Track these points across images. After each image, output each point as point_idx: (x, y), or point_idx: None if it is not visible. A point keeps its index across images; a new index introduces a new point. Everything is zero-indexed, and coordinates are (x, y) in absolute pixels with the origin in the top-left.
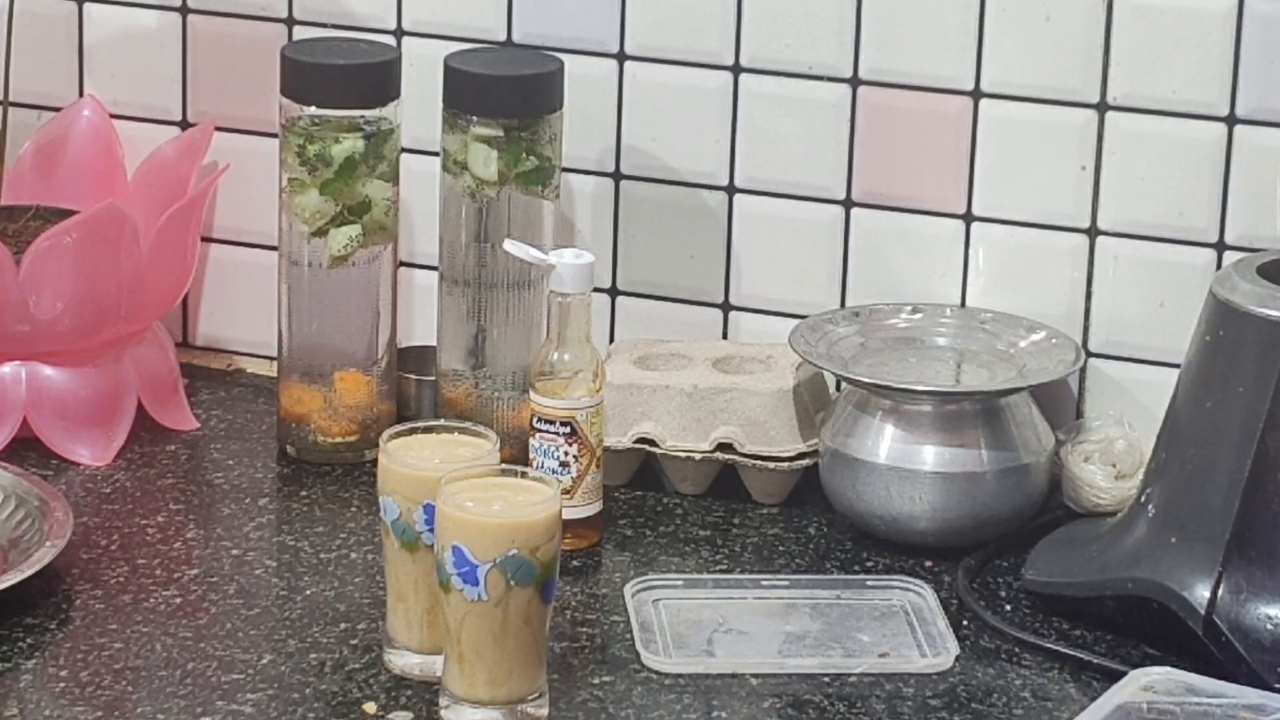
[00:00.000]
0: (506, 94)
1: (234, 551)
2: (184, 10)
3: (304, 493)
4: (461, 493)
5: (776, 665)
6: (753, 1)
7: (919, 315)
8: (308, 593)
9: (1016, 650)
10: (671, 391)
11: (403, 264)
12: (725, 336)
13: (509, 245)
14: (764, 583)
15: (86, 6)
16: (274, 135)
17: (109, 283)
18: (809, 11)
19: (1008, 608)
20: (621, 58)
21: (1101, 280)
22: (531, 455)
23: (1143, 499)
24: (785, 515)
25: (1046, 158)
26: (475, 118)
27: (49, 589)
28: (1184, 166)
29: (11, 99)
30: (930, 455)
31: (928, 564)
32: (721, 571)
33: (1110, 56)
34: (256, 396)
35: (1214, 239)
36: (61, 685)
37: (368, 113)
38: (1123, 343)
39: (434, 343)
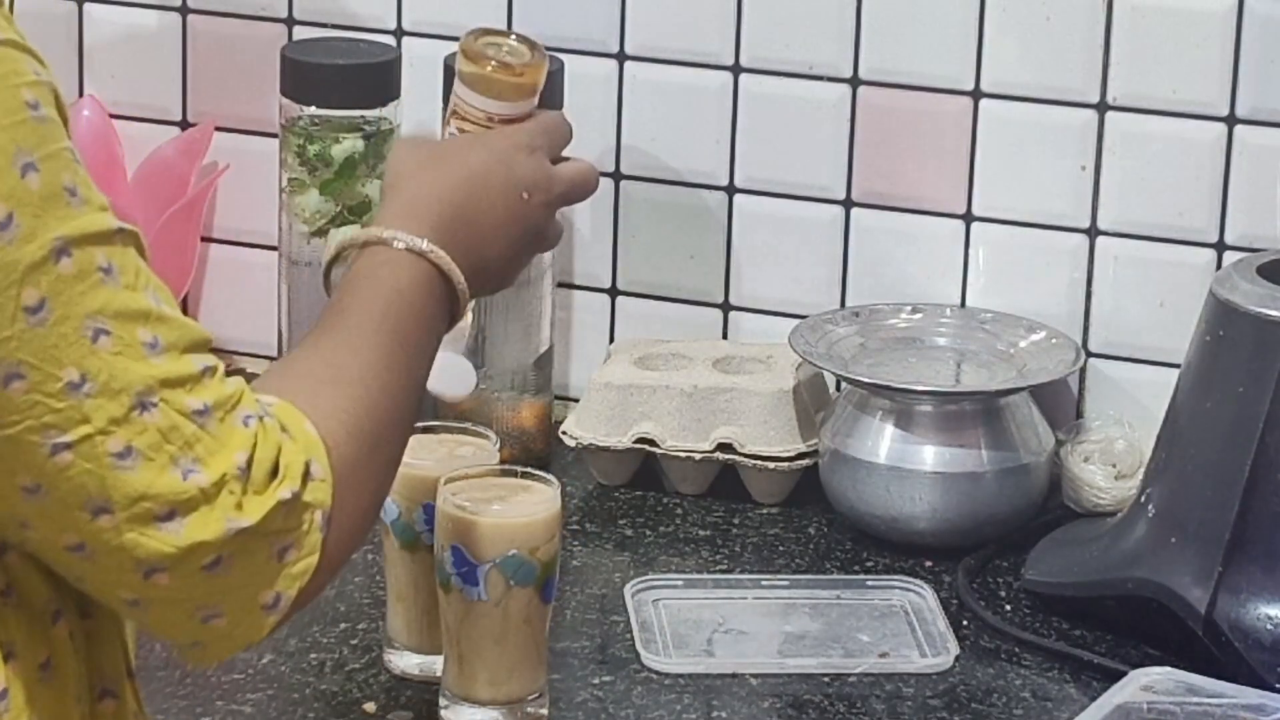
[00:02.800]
0: None
1: None
2: (184, 10)
3: None
4: (461, 493)
5: (776, 665)
6: (753, 1)
7: (919, 315)
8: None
9: (1016, 650)
10: (671, 391)
11: None
12: (725, 336)
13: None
14: (764, 583)
15: (86, 6)
16: (274, 135)
17: None
18: (809, 11)
19: (1008, 608)
20: (621, 58)
21: (1101, 280)
22: None
23: (1143, 499)
24: (785, 515)
25: (1046, 158)
26: None
27: None
28: (1184, 166)
29: None
30: (930, 455)
31: (928, 564)
32: (721, 571)
33: (1110, 56)
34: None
35: (1214, 239)
36: None
37: (368, 113)
38: (1123, 343)
39: None
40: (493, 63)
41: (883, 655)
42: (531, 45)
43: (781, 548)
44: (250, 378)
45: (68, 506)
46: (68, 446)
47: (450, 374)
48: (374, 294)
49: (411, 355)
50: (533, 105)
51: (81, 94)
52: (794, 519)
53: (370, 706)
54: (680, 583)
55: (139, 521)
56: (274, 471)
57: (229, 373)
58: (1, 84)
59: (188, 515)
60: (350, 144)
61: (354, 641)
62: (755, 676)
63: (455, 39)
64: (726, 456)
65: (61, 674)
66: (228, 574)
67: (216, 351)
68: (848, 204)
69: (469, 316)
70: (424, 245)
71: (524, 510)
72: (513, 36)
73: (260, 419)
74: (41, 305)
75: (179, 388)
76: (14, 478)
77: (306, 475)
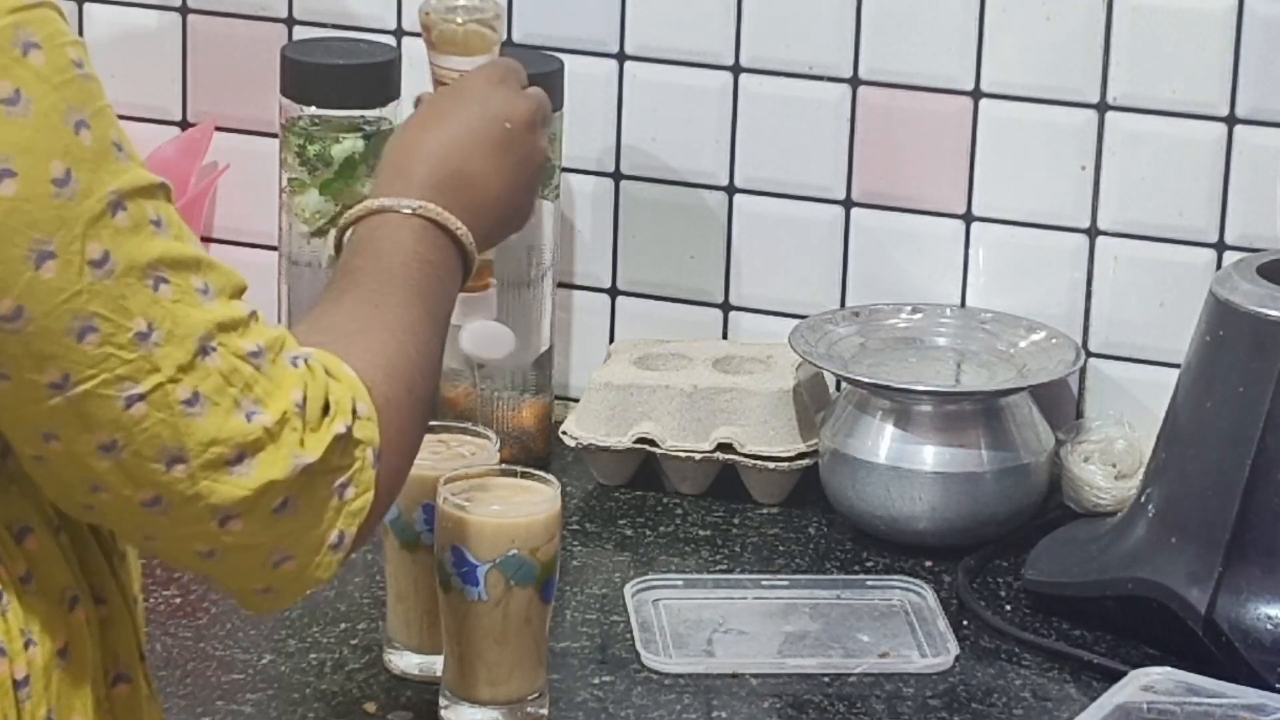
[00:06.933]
0: None
1: None
2: (184, 10)
3: None
4: (461, 493)
5: (776, 665)
6: (753, 1)
7: (919, 315)
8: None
9: (1016, 650)
10: (671, 391)
11: None
12: (725, 336)
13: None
14: (764, 583)
15: (86, 6)
16: (274, 135)
17: None
18: (809, 11)
19: (1008, 608)
20: (621, 58)
21: (1101, 280)
22: None
23: (1143, 499)
24: (785, 515)
25: (1046, 158)
26: None
27: None
28: (1184, 166)
29: None
30: (930, 455)
31: (928, 564)
32: (721, 571)
33: (1110, 56)
34: None
35: (1214, 239)
36: None
37: (368, 113)
38: (1123, 343)
39: None
40: (460, 20)
41: (883, 655)
42: (491, 4)
43: (781, 548)
44: None
45: (144, 459)
46: (141, 398)
47: (487, 339)
48: (377, 252)
49: (428, 301)
50: (497, 55)
51: None
52: (794, 519)
53: (370, 706)
54: (680, 583)
55: (211, 468)
56: (326, 408)
57: None
58: (49, 43)
59: (256, 456)
60: (350, 144)
61: (354, 641)
62: (755, 676)
63: None
64: (726, 456)
65: (79, 660)
66: (295, 515)
67: None
68: (848, 204)
69: (494, 284)
70: (415, 204)
71: (524, 510)
72: (474, 2)
73: (306, 360)
74: (106, 258)
75: (233, 331)
76: (92, 436)
77: (354, 413)
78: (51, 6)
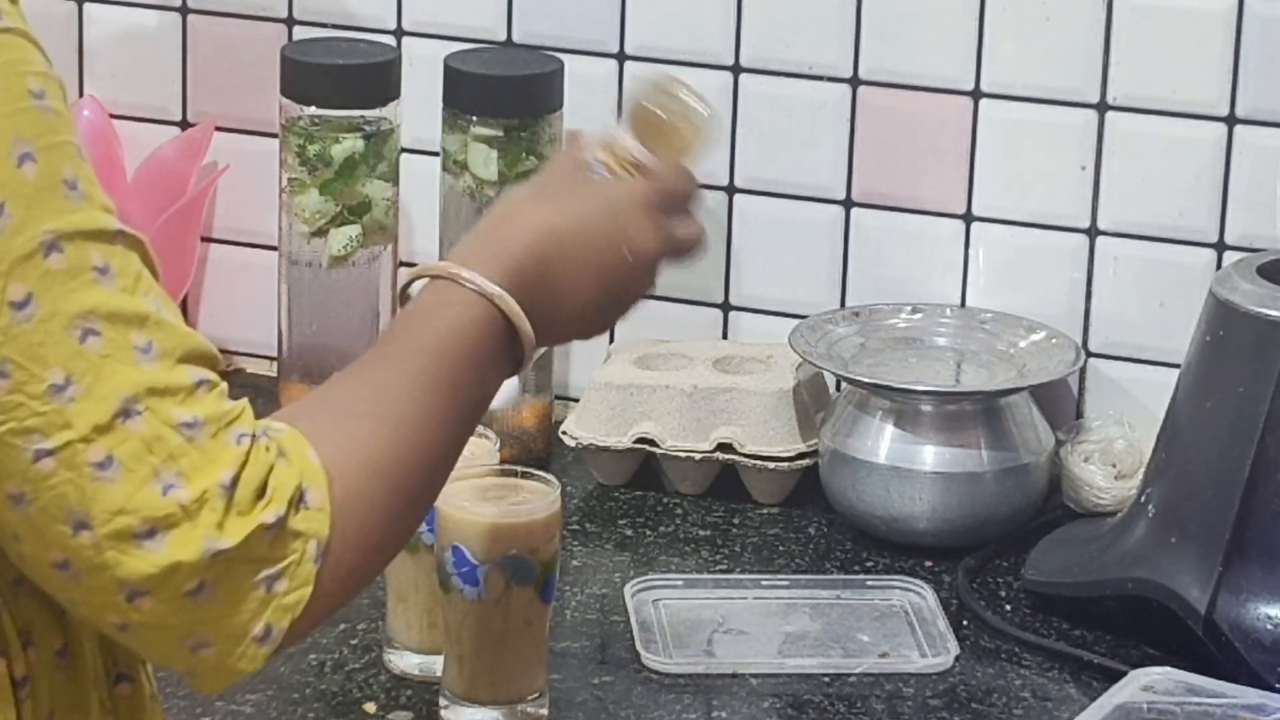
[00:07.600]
0: (506, 94)
1: None
2: (184, 10)
3: None
4: (461, 493)
5: (776, 665)
6: (753, 1)
7: (919, 315)
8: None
9: (1016, 650)
10: (671, 391)
11: (403, 264)
12: (725, 336)
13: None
14: (764, 583)
15: (86, 6)
16: (274, 135)
17: None
18: (809, 11)
19: (1008, 608)
20: (621, 58)
21: (1101, 280)
22: None
23: (1143, 499)
24: (785, 515)
25: (1046, 158)
26: (475, 118)
27: None
28: (1184, 166)
29: None
30: (930, 455)
31: (928, 564)
32: (721, 571)
33: (1110, 56)
34: (256, 396)
35: (1214, 239)
36: None
37: (368, 113)
38: (1123, 343)
39: None
40: (663, 114)
41: (883, 655)
42: (708, 108)
43: (781, 548)
44: (251, 378)
45: (50, 519)
46: (49, 453)
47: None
48: (431, 331)
49: (460, 399)
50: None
51: (81, 94)
52: (794, 519)
53: (370, 706)
54: (680, 583)
55: (119, 539)
56: (260, 492)
57: (230, 378)
58: (6, 70)
59: (168, 532)
60: (350, 144)
61: (354, 641)
62: (755, 676)
63: (455, 39)
64: (726, 456)
65: (79, 660)
66: (213, 601)
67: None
68: (848, 204)
69: None
70: (492, 289)
71: (524, 510)
72: (694, 98)
73: (254, 438)
74: (28, 300)
75: (168, 397)
76: (1, 485)
77: (299, 502)
78: (20, 34)
